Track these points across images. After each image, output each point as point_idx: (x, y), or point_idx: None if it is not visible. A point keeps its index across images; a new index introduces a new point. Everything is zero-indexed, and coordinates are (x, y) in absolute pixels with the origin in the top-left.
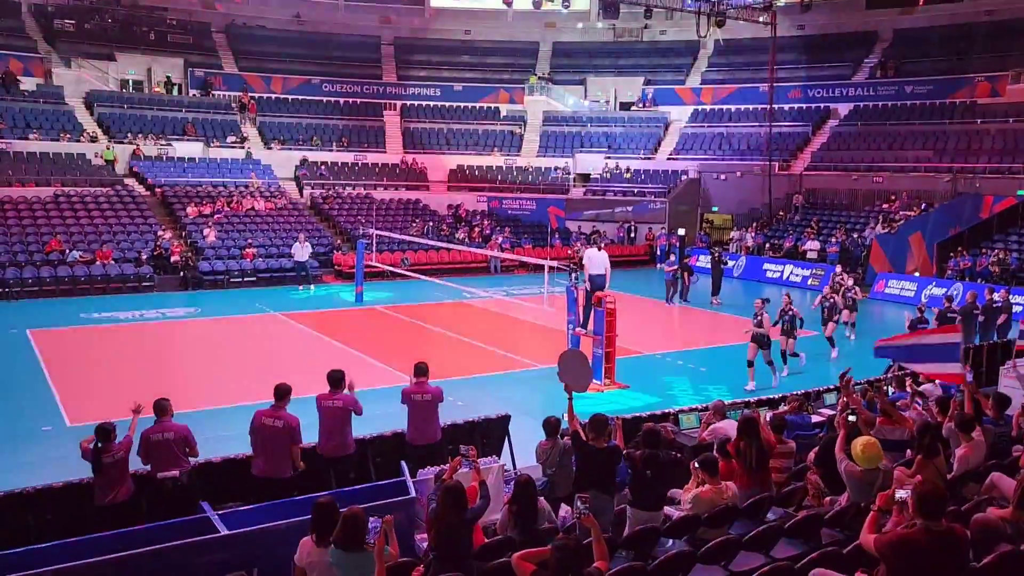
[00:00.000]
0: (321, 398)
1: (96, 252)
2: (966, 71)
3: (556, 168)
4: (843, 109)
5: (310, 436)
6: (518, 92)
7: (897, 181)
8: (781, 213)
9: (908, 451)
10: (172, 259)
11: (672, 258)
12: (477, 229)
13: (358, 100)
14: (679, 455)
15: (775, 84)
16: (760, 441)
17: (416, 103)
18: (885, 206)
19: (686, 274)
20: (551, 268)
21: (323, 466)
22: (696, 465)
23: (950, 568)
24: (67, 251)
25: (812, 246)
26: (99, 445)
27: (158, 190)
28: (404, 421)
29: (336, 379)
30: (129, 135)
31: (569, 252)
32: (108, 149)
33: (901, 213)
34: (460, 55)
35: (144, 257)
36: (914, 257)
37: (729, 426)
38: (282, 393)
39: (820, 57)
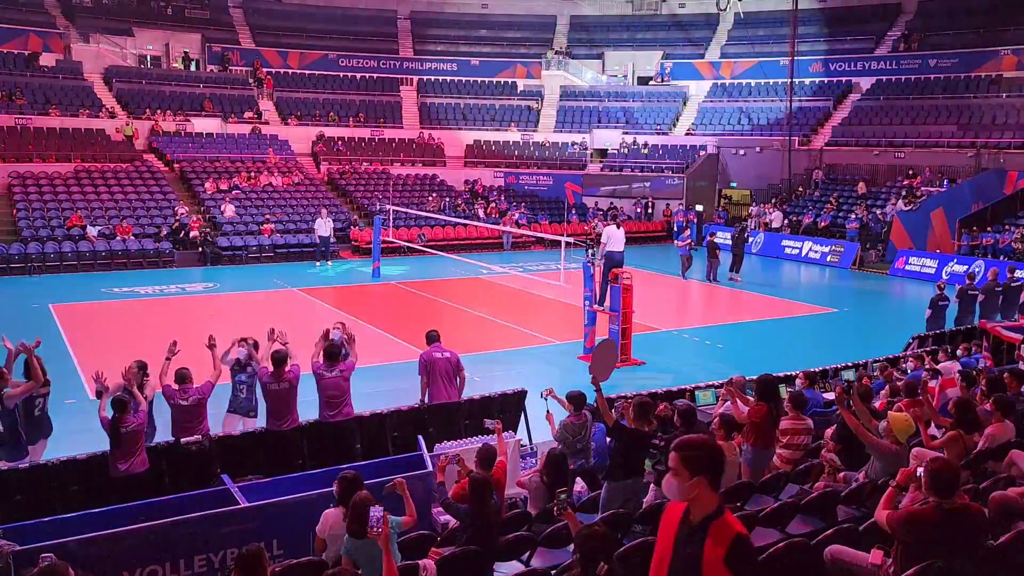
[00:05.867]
0: (318, 368)
1: (116, 227)
2: (992, 44)
3: (573, 143)
4: (865, 83)
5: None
6: (535, 67)
7: (920, 156)
8: (801, 189)
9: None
10: (191, 234)
11: (687, 233)
12: (494, 205)
13: (375, 75)
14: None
15: (796, 58)
16: (778, 399)
17: (433, 78)
18: (907, 182)
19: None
20: (567, 244)
21: (328, 436)
22: (719, 422)
23: (965, 546)
24: (87, 226)
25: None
26: (115, 416)
27: (176, 166)
28: (418, 395)
29: (333, 354)
30: (147, 111)
31: (586, 228)
32: (127, 125)
33: (923, 189)
34: (477, 29)
35: (163, 232)
36: (935, 234)
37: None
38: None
39: (842, 30)
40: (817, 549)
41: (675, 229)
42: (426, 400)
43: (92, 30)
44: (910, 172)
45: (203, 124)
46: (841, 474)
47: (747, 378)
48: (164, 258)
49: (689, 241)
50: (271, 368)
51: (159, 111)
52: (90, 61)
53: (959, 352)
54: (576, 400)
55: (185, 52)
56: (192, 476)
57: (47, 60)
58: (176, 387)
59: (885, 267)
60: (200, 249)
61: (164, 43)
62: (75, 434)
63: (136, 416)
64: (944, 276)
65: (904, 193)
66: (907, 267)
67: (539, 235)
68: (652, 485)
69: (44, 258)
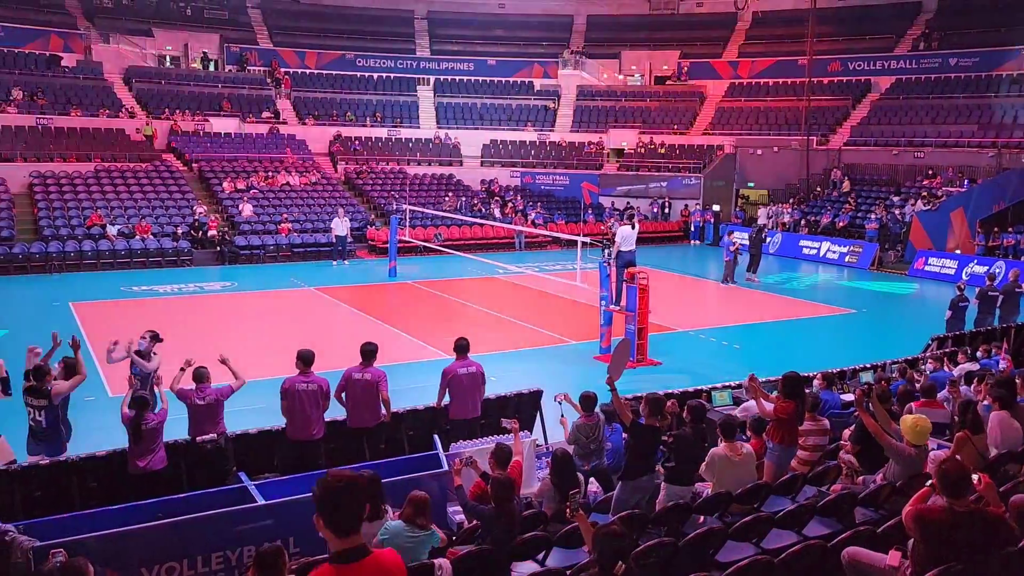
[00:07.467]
0: (351, 371)
1: (136, 226)
2: (1013, 43)
3: (590, 143)
4: (884, 82)
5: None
6: (552, 66)
7: (940, 156)
8: (819, 189)
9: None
10: (209, 234)
11: (733, 236)
12: (511, 204)
13: (392, 75)
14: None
15: (814, 57)
16: (804, 398)
17: (449, 78)
18: (926, 182)
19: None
20: (584, 244)
21: (352, 438)
22: (717, 428)
23: (981, 549)
24: (107, 225)
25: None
26: (136, 413)
27: (195, 165)
28: (436, 394)
29: (369, 352)
30: (167, 111)
31: (602, 228)
32: (147, 125)
33: (943, 189)
34: (494, 29)
35: (180, 232)
36: (955, 234)
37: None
38: (310, 359)
39: (861, 29)
40: (834, 551)
41: (692, 229)
42: (442, 405)
43: (112, 31)
44: (930, 172)
45: (221, 124)
46: (861, 478)
47: (759, 379)
48: (182, 257)
49: (737, 245)
50: (297, 368)
51: (178, 111)
52: (110, 61)
53: (979, 354)
54: (587, 401)
55: (204, 52)
56: (209, 474)
57: (68, 61)
58: (193, 387)
59: (904, 268)
60: (218, 248)
61: (183, 43)
62: (94, 431)
63: (157, 413)
64: (964, 277)
65: (911, 192)
66: (926, 268)
67: (555, 235)
68: (664, 484)
69: (64, 257)
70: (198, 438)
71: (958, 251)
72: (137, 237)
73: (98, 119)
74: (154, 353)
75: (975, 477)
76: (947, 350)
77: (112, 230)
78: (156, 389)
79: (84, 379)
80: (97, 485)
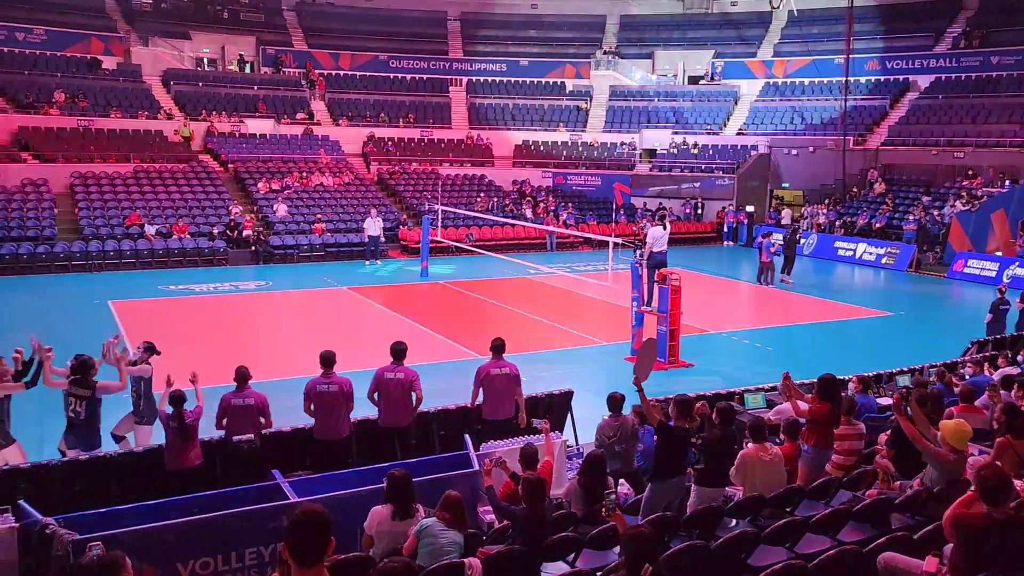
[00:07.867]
0: (383, 371)
1: (173, 226)
2: None
3: (622, 144)
4: (924, 81)
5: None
6: (584, 67)
7: (980, 156)
8: (855, 190)
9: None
10: (244, 234)
11: (773, 237)
12: (542, 205)
13: (425, 76)
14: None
15: (851, 55)
16: (839, 400)
17: (482, 79)
18: (966, 183)
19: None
20: (615, 245)
21: (384, 437)
22: (746, 429)
23: (1021, 557)
24: (145, 225)
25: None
26: (175, 410)
27: (231, 166)
28: (467, 395)
29: (399, 351)
30: (203, 112)
31: (634, 229)
32: (184, 126)
33: (984, 190)
34: (526, 30)
35: (216, 232)
36: (996, 236)
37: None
38: (331, 360)
39: (900, 26)
40: (870, 556)
41: (725, 230)
42: (475, 404)
43: (151, 34)
44: (969, 172)
45: (257, 125)
46: (897, 483)
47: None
48: (218, 257)
49: (776, 246)
50: (320, 369)
51: (215, 113)
52: (149, 64)
53: (1019, 358)
54: (613, 402)
55: (240, 55)
56: (244, 471)
57: (108, 64)
58: (234, 388)
59: (942, 270)
60: (253, 248)
61: (220, 46)
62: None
63: (193, 411)
64: (1005, 279)
65: (950, 192)
66: (966, 270)
67: (587, 235)
68: (694, 486)
69: (104, 256)
70: (235, 438)
71: (999, 253)
72: (174, 237)
73: (137, 121)
74: (147, 364)
75: (1019, 483)
76: (987, 354)
77: (150, 230)
78: (193, 386)
79: (123, 387)
80: (134, 481)
